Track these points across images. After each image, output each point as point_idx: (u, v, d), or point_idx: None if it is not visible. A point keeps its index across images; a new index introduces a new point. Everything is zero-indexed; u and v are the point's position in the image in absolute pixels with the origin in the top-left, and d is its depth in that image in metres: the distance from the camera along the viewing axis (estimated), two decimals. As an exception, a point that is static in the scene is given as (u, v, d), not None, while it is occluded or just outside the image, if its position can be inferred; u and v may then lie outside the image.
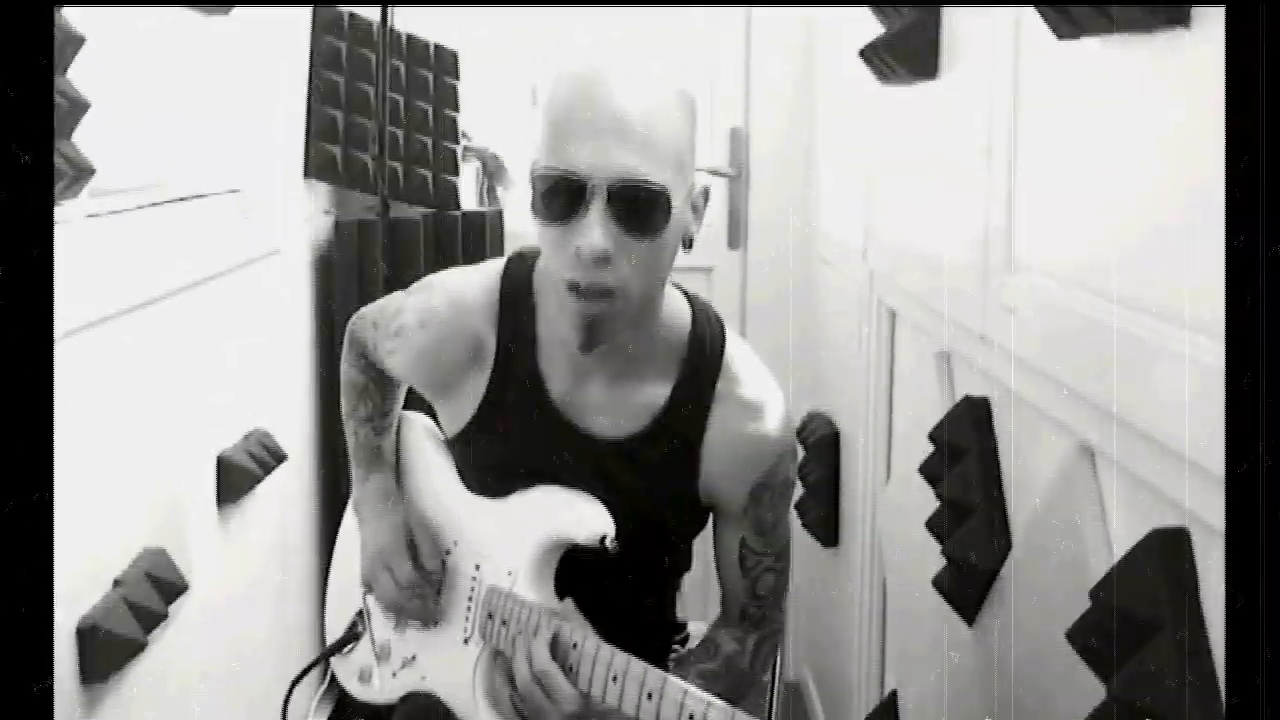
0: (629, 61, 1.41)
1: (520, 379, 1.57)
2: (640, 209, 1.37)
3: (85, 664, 1.67)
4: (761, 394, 1.58)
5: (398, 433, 1.80)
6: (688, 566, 1.79)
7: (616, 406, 1.54)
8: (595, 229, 1.36)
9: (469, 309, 1.58)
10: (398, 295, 1.70)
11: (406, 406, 1.83)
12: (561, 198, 1.37)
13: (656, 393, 1.56)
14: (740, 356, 1.59)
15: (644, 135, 1.36)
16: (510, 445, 1.59)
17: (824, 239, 3.18)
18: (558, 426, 1.57)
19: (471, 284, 1.61)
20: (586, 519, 1.52)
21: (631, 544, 1.51)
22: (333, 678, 1.83)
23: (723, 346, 1.58)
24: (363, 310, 1.78)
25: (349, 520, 1.83)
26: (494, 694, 1.52)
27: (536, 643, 1.43)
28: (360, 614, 1.76)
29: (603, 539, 1.50)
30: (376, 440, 1.77)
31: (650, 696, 1.33)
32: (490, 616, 1.57)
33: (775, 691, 1.80)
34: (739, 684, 1.62)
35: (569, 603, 1.50)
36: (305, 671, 1.77)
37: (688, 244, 1.47)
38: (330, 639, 1.82)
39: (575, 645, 1.42)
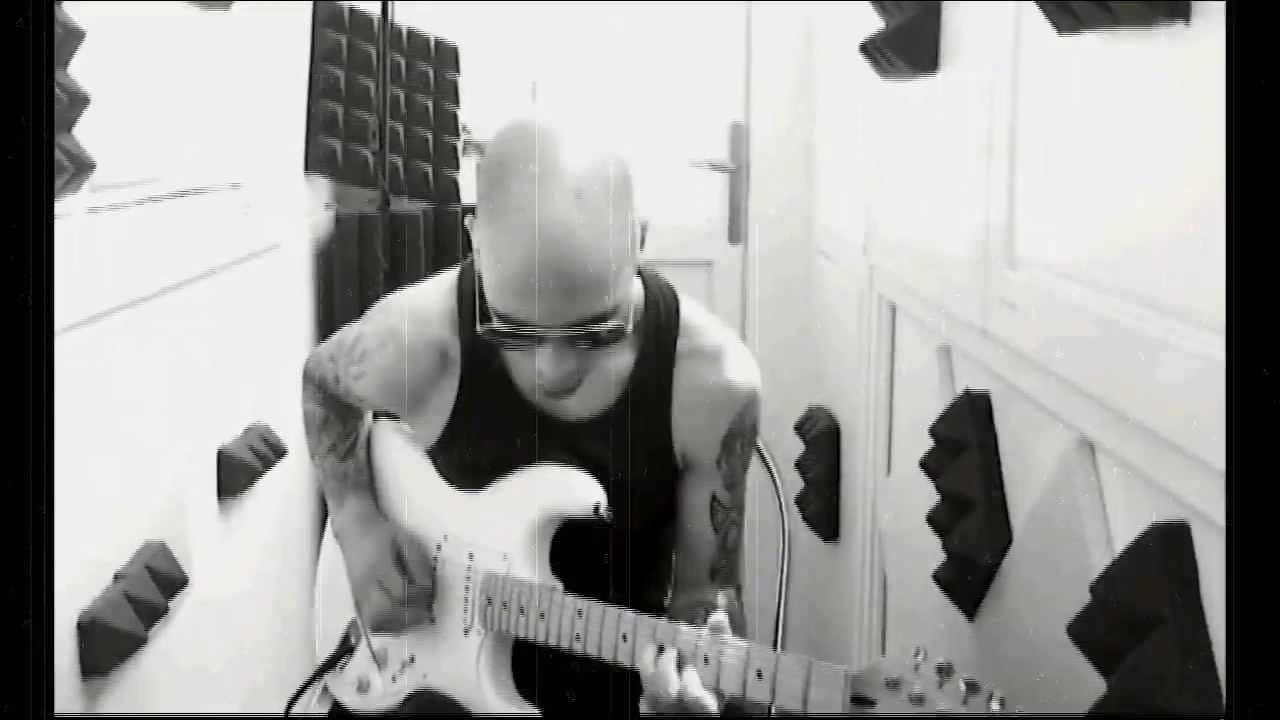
0: (566, 170, 1.34)
1: (489, 378, 1.58)
2: (593, 338, 1.40)
3: (86, 658, 1.67)
4: (722, 342, 1.61)
5: (369, 444, 1.80)
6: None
7: (585, 386, 1.50)
8: (552, 364, 1.40)
9: (428, 319, 1.60)
10: (353, 326, 1.71)
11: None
12: (517, 340, 1.41)
13: (621, 363, 1.58)
14: (696, 312, 1.62)
15: (594, 276, 1.34)
16: (487, 445, 1.61)
17: (824, 233, 3.18)
18: (532, 417, 1.58)
19: (426, 296, 1.63)
20: (576, 491, 1.53)
21: (621, 519, 1.52)
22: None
23: (677, 305, 1.61)
24: (315, 349, 1.79)
25: (329, 546, 1.82)
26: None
27: (687, 673, 1.34)
28: (353, 625, 1.74)
29: (595, 508, 1.51)
30: (342, 466, 1.76)
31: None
32: (490, 602, 1.57)
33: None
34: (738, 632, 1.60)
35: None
36: (300, 692, 1.76)
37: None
38: (320, 653, 1.80)
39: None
